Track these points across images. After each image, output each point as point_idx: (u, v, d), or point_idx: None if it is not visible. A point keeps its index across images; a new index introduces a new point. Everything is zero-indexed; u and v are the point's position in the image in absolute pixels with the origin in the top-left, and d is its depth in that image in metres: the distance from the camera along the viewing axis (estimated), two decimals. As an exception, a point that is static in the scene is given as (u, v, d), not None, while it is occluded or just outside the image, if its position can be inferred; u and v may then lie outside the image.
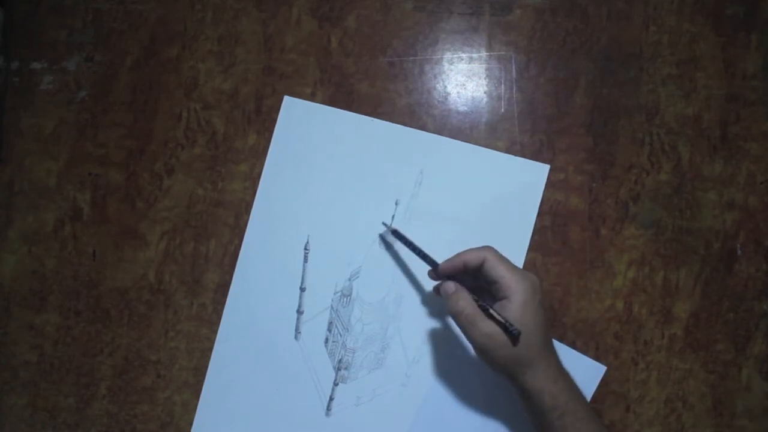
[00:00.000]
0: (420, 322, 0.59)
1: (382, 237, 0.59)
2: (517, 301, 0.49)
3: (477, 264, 0.51)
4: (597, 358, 0.58)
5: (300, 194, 0.60)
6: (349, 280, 0.59)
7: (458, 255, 0.52)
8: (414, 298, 0.59)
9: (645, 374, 0.58)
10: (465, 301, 0.50)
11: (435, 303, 0.59)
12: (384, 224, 0.59)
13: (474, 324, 0.49)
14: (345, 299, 0.59)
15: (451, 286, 0.51)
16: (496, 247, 0.52)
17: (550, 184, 0.59)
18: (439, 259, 0.53)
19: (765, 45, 0.60)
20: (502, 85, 0.61)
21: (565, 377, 0.50)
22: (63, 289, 0.61)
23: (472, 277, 0.52)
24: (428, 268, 0.55)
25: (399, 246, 0.59)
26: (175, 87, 0.62)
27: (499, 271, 0.50)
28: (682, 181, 0.59)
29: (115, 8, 0.63)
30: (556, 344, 0.53)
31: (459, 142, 0.60)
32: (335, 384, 0.59)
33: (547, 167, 0.59)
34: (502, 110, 0.60)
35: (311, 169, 0.60)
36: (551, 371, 0.49)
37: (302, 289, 0.60)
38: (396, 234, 0.58)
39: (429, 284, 0.59)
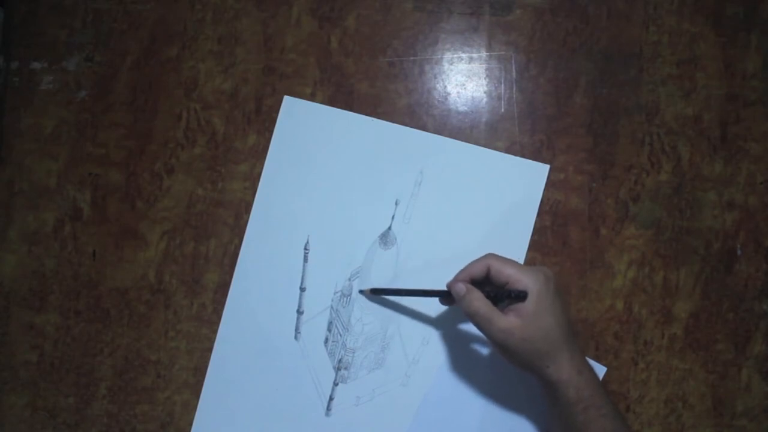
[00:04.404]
0: (420, 322, 0.59)
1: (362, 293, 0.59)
2: (531, 295, 0.48)
3: (482, 274, 0.51)
4: (597, 358, 0.58)
5: (300, 194, 0.60)
6: (349, 280, 0.59)
7: (462, 271, 0.52)
8: (414, 297, 0.59)
9: (645, 374, 0.58)
10: (479, 300, 0.50)
11: (434, 303, 0.59)
12: (361, 292, 0.59)
13: (490, 321, 0.49)
14: (345, 299, 0.59)
15: (461, 287, 0.51)
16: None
17: (550, 184, 0.59)
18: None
19: (765, 45, 0.60)
20: (502, 85, 0.61)
21: (589, 370, 0.49)
22: (63, 289, 0.61)
23: (479, 286, 0.51)
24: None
25: (399, 245, 0.59)
26: (175, 87, 0.62)
27: (506, 272, 0.50)
28: (682, 181, 0.59)
29: (115, 8, 0.62)
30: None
31: (459, 142, 0.60)
32: (335, 384, 0.59)
33: (547, 167, 0.59)
34: (502, 110, 0.60)
35: (311, 169, 0.60)
36: (575, 362, 0.49)
37: (302, 289, 0.60)
38: (381, 291, 0.57)
39: (429, 284, 0.59)
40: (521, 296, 0.49)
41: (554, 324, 0.48)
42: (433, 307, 0.59)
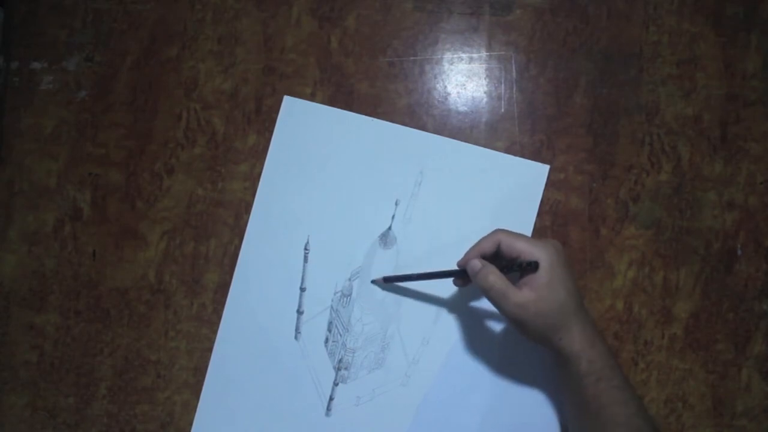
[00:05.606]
0: (420, 322, 0.59)
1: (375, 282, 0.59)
2: (544, 267, 0.48)
3: (492, 249, 0.51)
4: (597, 358, 0.58)
5: (300, 194, 0.60)
6: (349, 280, 0.60)
7: (472, 248, 0.52)
8: (414, 298, 0.59)
9: (645, 374, 0.58)
10: (494, 275, 0.49)
11: (435, 303, 0.59)
12: (373, 282, 0.59)
13: (506, 296, 0.49)
14: (345, 299, 0.59)
15: (476, 263, 0.51)
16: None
17: (550, 184, 0.59)
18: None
19: (765, 45, 0.60)
20: (502, 85, 0.61)
21: (602, 341, 0.49)
22: (63, 289, 0.61)
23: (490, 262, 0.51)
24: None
25: (399, 245, 0.59)
26: (175, 87, 0.62)
27: (517, 246, 0.50)
28: (682, 181, 0.59)
29: (115, 8, 0.62)
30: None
31: (459, 142, 0.60)
32: (335, 384, 0.59)
33: (547, 167, 0.59)
34: (502, 110, 0.60)
35: (311, 169, 0.60)
36: (587, 334, 0.48)
37: (302, 289, 0.60)
38: (393, 279, 0.57)
39: (429, 283, 0.59)
40: (533, 267, 0.48)
41: (566, 295, 0.48)
42: (434, 307, 0.59)
